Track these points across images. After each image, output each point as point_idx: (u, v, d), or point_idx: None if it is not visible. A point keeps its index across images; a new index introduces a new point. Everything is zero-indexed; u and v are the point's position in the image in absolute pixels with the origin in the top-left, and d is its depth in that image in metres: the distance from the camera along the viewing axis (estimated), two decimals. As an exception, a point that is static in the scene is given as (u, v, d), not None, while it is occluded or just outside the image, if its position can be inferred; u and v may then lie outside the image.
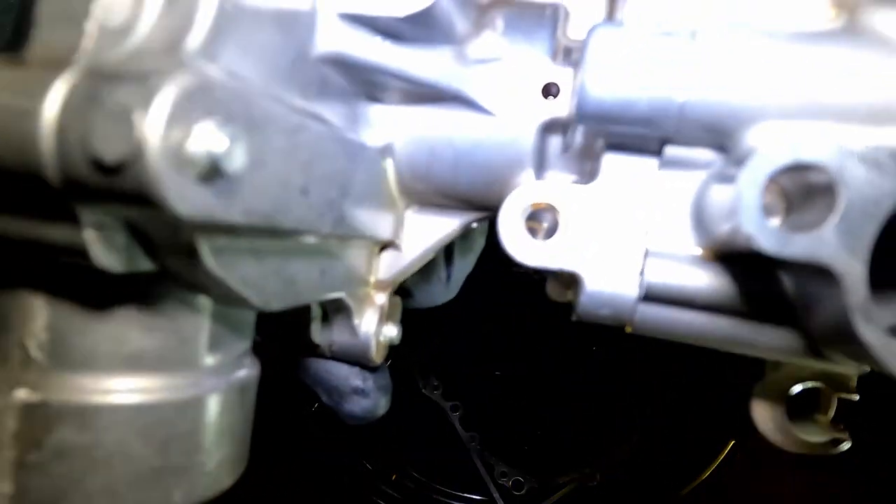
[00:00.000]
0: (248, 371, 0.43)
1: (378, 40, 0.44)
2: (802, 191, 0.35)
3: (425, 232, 0.60)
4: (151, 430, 0.36)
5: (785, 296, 0.38)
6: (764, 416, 0.52)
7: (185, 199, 0.26)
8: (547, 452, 1.39)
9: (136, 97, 0.24)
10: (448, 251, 0.74)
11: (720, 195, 0.39)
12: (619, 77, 0.37)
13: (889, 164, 0.30)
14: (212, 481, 0.40)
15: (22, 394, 0.34)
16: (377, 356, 0.62)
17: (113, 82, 0.25)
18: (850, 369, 0.45)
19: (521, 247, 0.44)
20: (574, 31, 0.53)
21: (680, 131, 0.38)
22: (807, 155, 0.31)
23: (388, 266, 0.61)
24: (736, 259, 0.40)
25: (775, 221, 0.37)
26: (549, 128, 0.50)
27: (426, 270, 0.70)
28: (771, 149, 0.31)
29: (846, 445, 0.52)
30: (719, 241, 0.40)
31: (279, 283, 0.40)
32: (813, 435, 0.52)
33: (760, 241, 0.31)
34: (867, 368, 0.43)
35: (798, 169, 0.32)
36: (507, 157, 0.50)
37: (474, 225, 0.61)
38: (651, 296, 0.42)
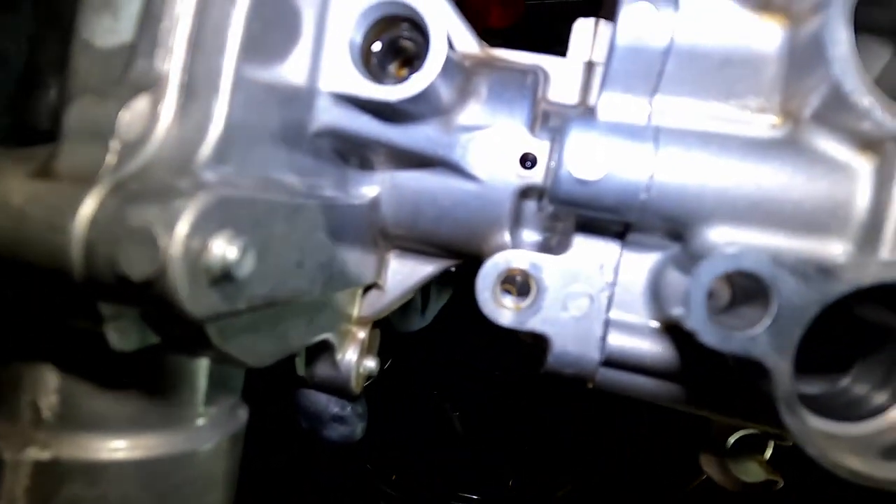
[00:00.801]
0: (238, 420, 0.46)
1: (368, 117, 0.47)
2: (743, 288, 0.39)
3: (406, 273, 0.64)
4: (152, 483, 0.39)
5: (729, 370, 0.42)
6: (708, 459, 0.58)
7: (199, 302, 0.29)
8: (547, 452, 1.39)
9: (160, 219, 0.27)
10: (425, 288, 0.78)
11: (674, 279, 0.44)
12: (590, 174, 0.41)
13: (814, 276, 0.35)
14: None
15: (33, 452, 0.37)
16: (357, 387, 0.65)
17: (136, 201, 0.28)
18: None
19: (496, 310, 0.48)
20: (554, 93, 0.57)
21: (641, 220, 0.43)
22: (746, 265, 0.35)
23: (371, 304, 0.64)
24: (685, 333, 0.45)
25: (722, 303, 0.42)
26: (526, 192, 0.54)
27: (405, 304, 0.74)
28: (716, 257, 0.36)
29: (779, 485, 0.58)
30: (671, 319, 0.44)
31: (272, 341, 0.44)
32: (751, 476, 0.58)
33: (704, 337, 0.36)
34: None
35: (739, 275, 0.36)
36: (487, 217, 0.54)
37: (452, 269, 0.65)
38: (610, 361, 0.46)
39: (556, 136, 0.52)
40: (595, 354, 0.47)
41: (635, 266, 0.47)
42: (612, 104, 0.45)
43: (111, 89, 0.31)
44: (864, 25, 0.40)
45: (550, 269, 0.48)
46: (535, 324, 0.48)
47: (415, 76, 0.44)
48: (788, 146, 0.40)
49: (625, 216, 0.43)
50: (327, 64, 0.44)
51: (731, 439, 0.54)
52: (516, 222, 0.55)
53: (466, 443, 1.38)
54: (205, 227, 0.28)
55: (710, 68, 0.43)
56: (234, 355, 0.38)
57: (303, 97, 0.43)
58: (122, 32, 0.33)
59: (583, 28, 0.55)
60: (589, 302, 0.47)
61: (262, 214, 0.34)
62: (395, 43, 0.50)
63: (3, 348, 0.37)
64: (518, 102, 0.54)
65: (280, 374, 0.65)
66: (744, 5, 0.42)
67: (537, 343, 0.54)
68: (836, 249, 0.39)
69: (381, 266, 0.63)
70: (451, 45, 0.46)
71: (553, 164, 0.50)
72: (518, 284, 0.50)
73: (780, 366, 0.35)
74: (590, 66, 0.56)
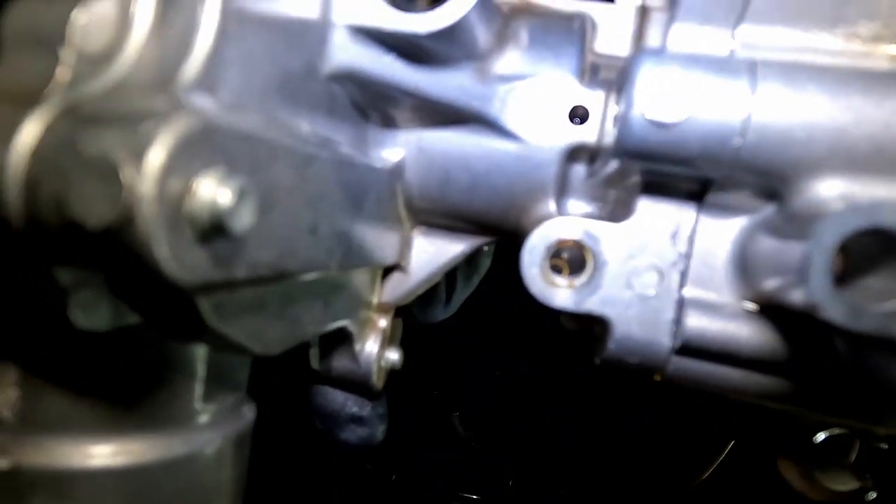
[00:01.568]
0: (244, 420, 0.39)
1: (393, 57, 0.40)
2: (866, 252, 0.31)
3: (433, 254, 0.56)
4: (140, 495, 0.32)
5: (838, 357, 0.34)
6: (788, 463, 0.50)
7: (183, 263, 0.22)
8: (547, 452, 1.37)
9: (124, 148, 0.20)
10: (450, 272, 0.71)
11: (767, 248, 0.36)
12: (669, 115, 0.33)
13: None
14: (203, 543, 0.36)
15: (-12, 460, 0.30)
16: (378, 383, 0.58)
17: (94, 126, 0.21)
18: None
19: (547, 289, 0.40)
20: (602, 45, 0.50)
21: (729, 175, 0.35)
22: (886, 219, 0.27)
23: (393, 288, 0.57)
24: (781, 313, 0.37)
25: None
26: (575, 154, 0.46)
27: (427, 291, 0.66)
28: (844, 211, 0.28)
29: (873, 495, 0.50)
30: (765, 295, 0.36)
31: (282, 326, 0.37)
32: (839, 483, 0.49)
33: (829, 312, 0.28)
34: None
35: (870, 233, 0.28)
36: (528, 183, 0.47)
37: (484, 248, 0.57)
38: (687, 347, 0.38)
39: (613, 87, 0.45)
40: (666, 340, 0.39)
41: (715, 234, 0.39)
42: (686, 38, 0.38)
43: (64, -15, 0.24)
44: None
45: (610, 240, 0.40)
46: (593, 304, 0.40)
47: (448, 3, 0.37)
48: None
49: (711, 169, 0.35)
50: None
51: (820, 437, 0.46)
52: (562, 190, 0.47)
53: (466, 443, 1.35)
54: (187, 159, 0.21)
55: (812, -14, 0.35)
56: (235, 340, 0.31)
57: (314, 31, 0.36)
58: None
59: (636, -37, 0.47)
60: (658, 278, 0.39)
61: (264, 157, 0.26)
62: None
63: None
64: (564, 49, 0.46)
65: (291, 367, 0.58)
66: None
67: (591, 328, 0.47)
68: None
69: (405, 247, 0.55)
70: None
71: (611, 113, 0.43)
72: (569, 259, 0.43)
73: (932, 349, 0.27)
74: (644, 12, 0.48)
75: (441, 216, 0.52)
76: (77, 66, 0.23)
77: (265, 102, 0.31)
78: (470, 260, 0.73)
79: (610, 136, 0.43)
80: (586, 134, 0.45)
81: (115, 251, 0.21)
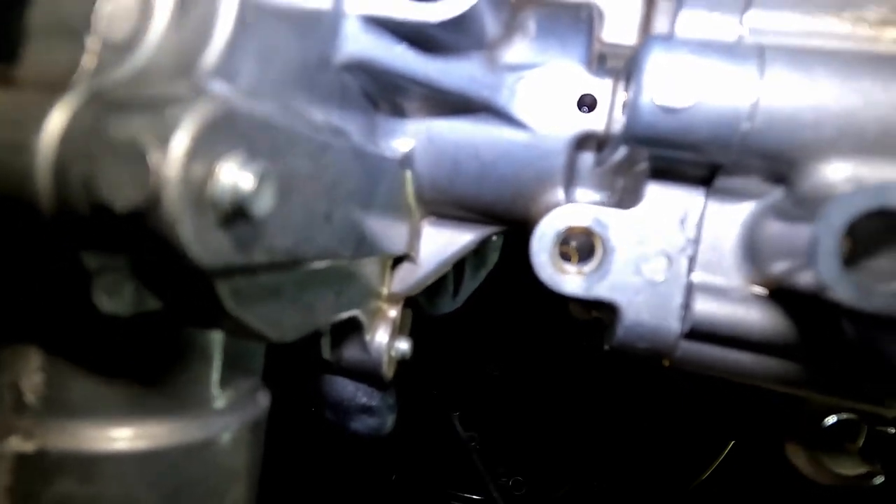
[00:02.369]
0: (259, 406, 0.40)
1: (404, 46, 0.40)
2: (873, 234, 0.32)
3: (442, 243, 0.57)
4: (159, 479, 0.33)
5: (845, 339, 0.35)
6: (796, 447, 0.50)
7: (206, 246, 0.23)
8: (547, 452, 1.38)
9: (151, 132, 0.21)
10: (458, 264, 0.71)
11: (775, 231, 0.36)
12: (678, 99, 0.34)
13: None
14: (221, 525, 0.37)
15: (15, 443, 0.31)
16: (388, 372, 0.59)
17: (121, 111, 0.21)
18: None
19: (556, 276, 0.41)
20: (609, 34, 0.50)
21: (737, 160, 0.35)
22: (894, 200, 0.28)
23: (403, 279, 0.58)
24: (789, 297, 0.37)
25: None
26: (583, 142, 0.46)
27: (435, 282, 0.67)
28: (852, 193, 0.28)
29: (880, 479, 0.50)
30: (773, 279, 0.37)
31: (296, 313, 0.37)
32: (847, 468, 0.50)
33: (838, 293, 0.28)
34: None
35: (878, 214, 0.29)
36: (537, 172, 0.47)
37: (493, 238, 0.57)
38: (696, 332, 0.39)
39: (621, 75, 0.45)
40: (675, 325, 0.40)
41: (724, 218, 0.39)
42: (693, 24, 0.38)
43: (88, -23, 0.24)
44: None
45: (619, 226, 0.41)
46: (602, 290, 0.40)
47: (459, -7, 0.37)
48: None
49: (719, 154, 0.35)
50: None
51: (828, 421, 0.47)
52: (570, 178, 0.48)
53: (466, 443, 1.36)
54: (210, 144, 0.22)
55: (820, -29, 0.35)
56: (253, 326, 0.31)
57: (327, 20, 0.36)
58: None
59: (644, -50, 0.47)
60: (667, 263, 0.40)
61: (282, 144, 0.27)
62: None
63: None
64: (572, 38, 0.46)
65: (298, 356, 0.59)
66: None
67: (599, 315, 0.47)
68: None
69: (415, 237, 0.56)
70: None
71: (619, 101, 0.43)
72: (578, 246, 0.43)
73: (941, 327, 0.28)
74: (651, 0, 0.49)
75: (450, 206, 0.52)
76: (102, 53, 0.24)
77: (281, 91, 0.31)
78: (478, 252, 0.74)
79: (618, 123, 0.44)
80: (594, 122, 0.45)
81: (142, 233, 0.21)
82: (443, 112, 0.46)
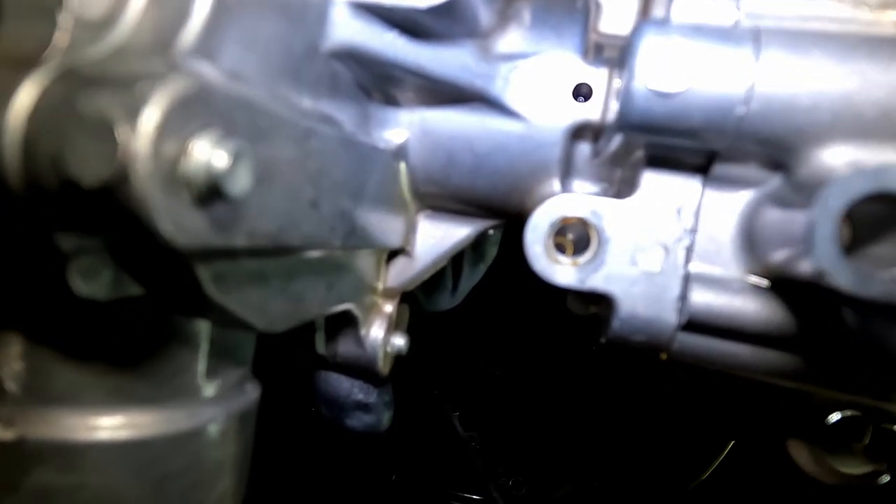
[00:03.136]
0: (248, 397, 0.39)
1: (395, 34, 0.40)
2: (873, 220, 0.31)
3: (438, 238, 0.56)
4: (144, 469, 0.33)
5: (846, 329, 0.34)
6: (800, 446, 0.49)
7: (180, 226, 0.22)
8: (547, 452, 1.37)
9: (120, 106, 0.20)
10: (456, 260, 0.71)
11: (773, 219, 0.35)
12: (671, 84, 0.33)
13: None
14: (208, 518, 0.36)
15: (-6, 431, 0.30)
16: (384, 368, 0.58)
17: (91, 87, 0.21)
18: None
19: (550, 267, 0.40)
20: (606, 24, 0.49)
21: (734, 147, 0.34)
22: (893, 183, 0.27)
23: (398, 273, 0.57)
24: (788, 286, 0.36)
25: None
26: (579, 132, 0.46)
27: (433, 278, 0.66)
28: (849, 176, 0.27)
29: (886, 478, 0.49)
30: (772, 268, 0.36)
31: (285, 302, 0.37)
32: (851, 467, 0.49)
33: (837, 279, 0.27)
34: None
35: (877, 199, 0.28)
36: (532, 163, 0.46)
37: (490, 232, 0.57)
38: (693, 323, 0.38)
39: (616, 63, 0.44)
40: (671, 317, 0.39)
41: (721, 207, 0.38)
42: (689, 9, 0.37)
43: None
44: None
45: (614, 216, 0.40)
46: (597, 282, 0.40)
47: (449, -22, 0.36)
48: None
49: (714, 140, 0.34)
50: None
51: (832, 418, 0.46)
52: (567, 170, 0.47)
53: (466, 443, 1.36)
54: (183, 120, 0.21)
55: (818, -47, 0.35)
56: (238, 314, 0.31)
57: (314, 6, 0.36)
58: None
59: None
60: (663, 254, 0.39)
61: (263, 125, 0.26)
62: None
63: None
64: (567, 27, 0.46)
65: (293, 352, 0.58)
66: None
67: (596, 310, 0.46)
68: None
69: (410, 230, 0.55)
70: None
71: (615, 90, 0.42)
72: (574, 238, 0.42)
73: (943, 314, 0.27)
74: (648, -9, 0.48)
75: (446, 199, 0.52)
76: (75, 31, 0.23)
77: (266, 76, 0.31)
78: (476, 247, 0.73)
79: (614, 112, 0.43)
80: (590, 111, 0.44)
81: (113, 211, 0.21)
82: (436, 102, 0.46)
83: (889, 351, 0.32)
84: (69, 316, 0.31)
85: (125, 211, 0.21)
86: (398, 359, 0.59)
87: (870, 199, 0.28)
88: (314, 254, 0.39)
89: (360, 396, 0.62)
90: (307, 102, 0.36)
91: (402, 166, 0.49)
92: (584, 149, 0.47)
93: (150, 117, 0.20)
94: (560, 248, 0.42)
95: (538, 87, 0.45)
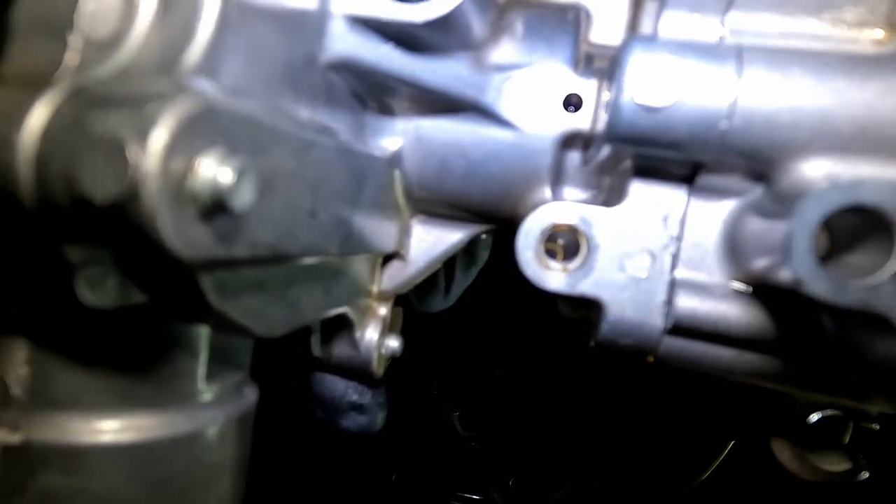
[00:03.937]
0: (246, 400, 0.40)
1: (390, 46, 0.41)
2: (850, 230, 0.32)
3: (432, 242, 0.57)
4: (144, 471, 0.33)
5: (824, 335, 0.35)
6: (783, 445, 0.51)
7: (186, 239, 0.23)
8: (547, 452, 1.38)
9: (130, 127, 0.21)
10: (449, 263, 0.72)
11: (756, 228, 0.36)
12: (657, 99, 0.34)
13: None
14: (207, 519, 0.37)
15: (0, 435, 0.31)
16: (378, 370, 0.59)
17: (101, 107, 0.22)
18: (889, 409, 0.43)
19: (541, 272, 0.41)
20: (596, 35, 0.50)
21: (718, 158, 0.36)
22: (865, 197, 0.28)
23: (392, 277, 0.58)
24: (769, 293, 0.37)
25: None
26: (569, 141, 0.47)
27: (426, 280, 0.67)
28: (826, 189, 0.29)
29: (865, 474, 0.50)
30: (754, 275, 0.37)
31: (282, 308, 0.38)
32: (832, 464, 0.50)
33: (813, 287, 0.29)
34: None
35: (853, 211, 0.29)
36: (524, 171, 0.48)
37: (482, 236, 0.58)
38: (678, 327, 0.39)
39: (606, 74, 0.46)
40: (658, 321, 0.40)
41: (706, 216, 0.40)
42: (676, 25, 0.38)
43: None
44: None
45: (603, 224, 0.41)
46: (586, 287, 0.41)
47: (444, -7, 0.37)
48: (903, 59, 0.33)
49: (699, 152, 0.36)
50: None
51: (813, 418, 0.47)
52: (557, 178, 0.48)
53: (466, 443, 1.36)
54: (190, 139, 0.22)
55: (799, -27, 0.36)
56: (238, 320, 0.32)
57: (313, 20, 0.37)
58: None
59: (630, -48, 0.48)
60: (650, 260, 0.40)
61: (264, 140, 0.27)
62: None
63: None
64: (559, 39, 0.47)
65: (288, 354, 0.59)
66: None
67: (586, 313, 0.48)
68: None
69: (404, 235, 0.56)
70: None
71: (605, 100, 0.43)
72: (565, 244, 0.43)
73: (912, 321, 0.28)
74: (637, 1, 0.49)
75: (439, 204, 0.53)
76: (85, 51, 0.24)
77: (266, 90, 0.32)
78: (468, 251, 0.74)
79: (603, 122, 0.44)
80: (580, 121, 0.46)
81: (122, 226, 0.22)
82: (430, 111, 0.47)
83: (865, 355, 0.33)
84: (73, 322, 0.32)
85: (134, 226, 0.22)
86: (397, 359, 0.61)
87: (846, 211, 0.30)
88: (311, 260, 0.40)
89: (354, 398, 0.63)
90: (305, 113, 0.37)
91: (397, 173, 0.50)
92: (574, 157, 0.48)
93: (159, 137, 0.21)
94: (550, 254, 0.43)
95: (530, 97, 0.46)
